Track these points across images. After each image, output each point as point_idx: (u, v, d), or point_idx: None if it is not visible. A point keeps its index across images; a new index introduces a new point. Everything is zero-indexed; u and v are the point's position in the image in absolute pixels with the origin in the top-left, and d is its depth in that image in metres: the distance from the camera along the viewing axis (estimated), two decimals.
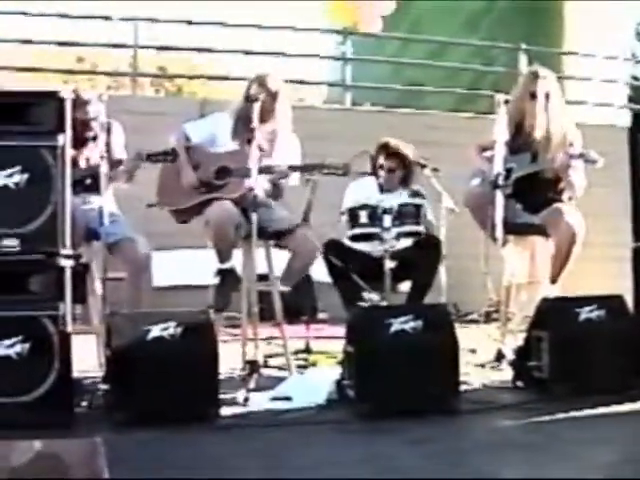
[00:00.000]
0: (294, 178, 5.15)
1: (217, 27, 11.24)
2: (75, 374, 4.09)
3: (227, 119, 5.23)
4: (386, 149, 6.03)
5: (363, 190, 5.78)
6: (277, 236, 5.09)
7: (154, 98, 13.67)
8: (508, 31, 13.12)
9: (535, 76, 5.45)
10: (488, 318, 6.67)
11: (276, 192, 5.22)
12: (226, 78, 12.89)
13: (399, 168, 5.98)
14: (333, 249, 5.69)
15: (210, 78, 15.60)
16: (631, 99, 14.95)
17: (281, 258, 5.18)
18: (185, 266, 8.13)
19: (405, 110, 10.69)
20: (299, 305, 6.42)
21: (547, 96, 5.38)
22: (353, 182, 5.96)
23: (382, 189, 5.80)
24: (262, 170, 4.86)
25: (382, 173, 5.88)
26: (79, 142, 4.99)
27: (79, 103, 5.03)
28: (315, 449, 3.57)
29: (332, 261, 5.73)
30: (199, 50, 11.78)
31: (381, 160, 5.95)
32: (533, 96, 5.38)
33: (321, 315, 8.18)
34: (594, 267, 8.52)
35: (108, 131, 5.14)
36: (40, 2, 12.00)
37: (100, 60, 16.30)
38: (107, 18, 10.33)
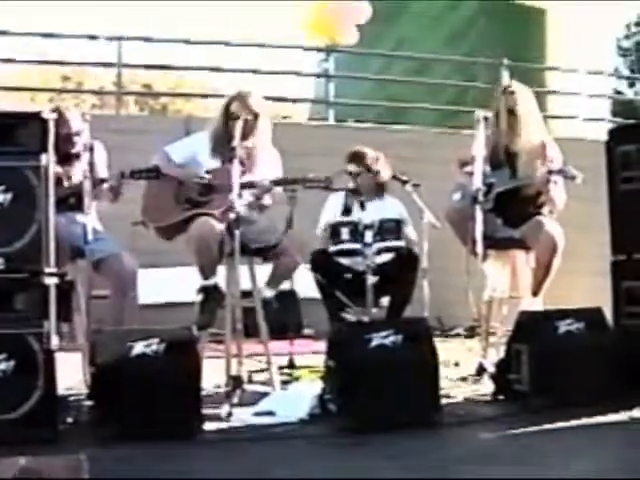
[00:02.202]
0: (275, 194, 5.18)
1: (201, 45, 11.28)
2: (61, 391, 4.12)
3: (207, 138, 5.23)
4: (351, 156, 6.18)
5: (341, 204, 5.85)
6: (260, 252, 5.12)
7: (138, 116, 13.65)
8: (490, 47, 13.22)
9: (502, 91, 5.54)
10: (472, 332, 6.71)
11: (259, 205, 5.25)
12: (211, 96, 12.91)
13: (363, 171, 6.08)
14: (318, 264, 5.73)
15: (195, 96, 15.62)
16: (614, 113, 15.05)
17: (265, 274, 5.21)
18: (171, 284, 8.14)
19: (388, 126, 10.73)
20: (284, 321, 6.45)
21: (510, 111, 5.45)
22: (332, 196, 6.03)
23: (362, 205, 5.84)
24: (245, 186, 4.90)
25: (351, 179, 5.95)
26: (62, 158, 5.01)
27: (62, 120, 5.07)
28: (297, 463, 3.59)
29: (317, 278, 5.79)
30: (184, 69, 11.80)
31: (349, 167, 6.04)
32: (508, 111, 5.46)
33: (307, 331, 8.20)
34: (579, 280, 8.57)
35: (91, 151, 5.16)
36: (25, 21, 12.05)
37: (85, 79, 16.33)
38: (92, 37, 10.36)
